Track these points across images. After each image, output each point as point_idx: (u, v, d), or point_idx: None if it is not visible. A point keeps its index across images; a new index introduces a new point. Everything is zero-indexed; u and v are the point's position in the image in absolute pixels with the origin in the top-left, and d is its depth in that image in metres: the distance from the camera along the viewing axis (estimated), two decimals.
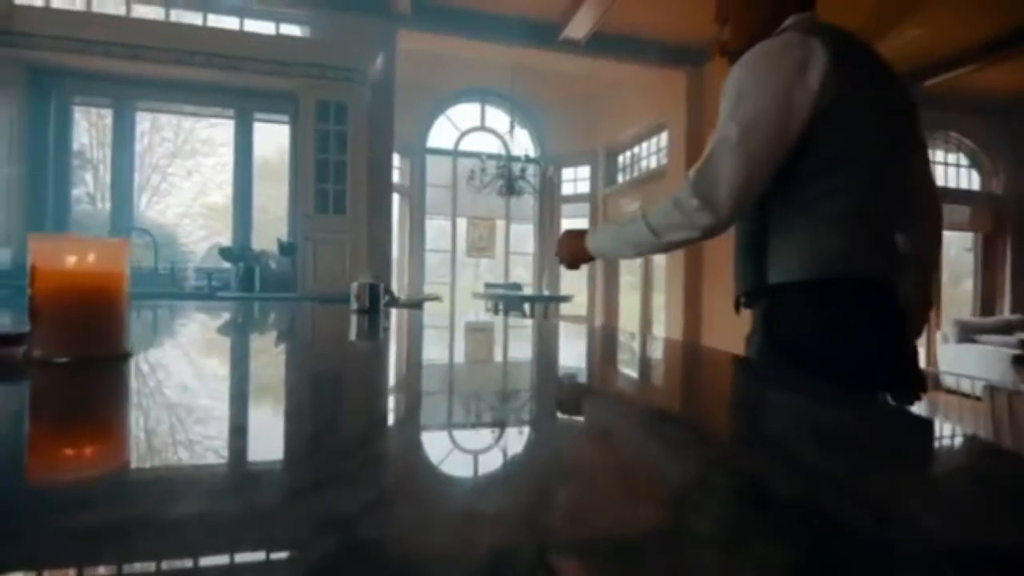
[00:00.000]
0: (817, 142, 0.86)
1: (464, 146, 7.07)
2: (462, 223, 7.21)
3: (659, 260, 6.06)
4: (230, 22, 4.16)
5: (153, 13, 4.06)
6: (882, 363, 0.89)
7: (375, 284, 1.65)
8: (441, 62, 5.92)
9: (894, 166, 0.92)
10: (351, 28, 4.20)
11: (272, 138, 4.13)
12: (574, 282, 7.63)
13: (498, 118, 7.15)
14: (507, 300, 5.28)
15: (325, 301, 3.21)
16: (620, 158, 6.94)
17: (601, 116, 6.82)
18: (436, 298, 3.98)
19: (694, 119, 5.29)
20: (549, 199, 7.23)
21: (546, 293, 5.65)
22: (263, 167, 4.18)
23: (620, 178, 6.92)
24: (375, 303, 1.65)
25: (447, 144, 7.06)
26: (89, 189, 4.35)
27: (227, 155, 4.05)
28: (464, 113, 7.15)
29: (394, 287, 5.22)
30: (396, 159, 5.07)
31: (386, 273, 4.06)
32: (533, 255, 7.43)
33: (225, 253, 3.67)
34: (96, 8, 3.97)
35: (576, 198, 7.25)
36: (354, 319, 1.47)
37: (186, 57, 3.62)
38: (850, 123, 0.86)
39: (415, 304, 3.52)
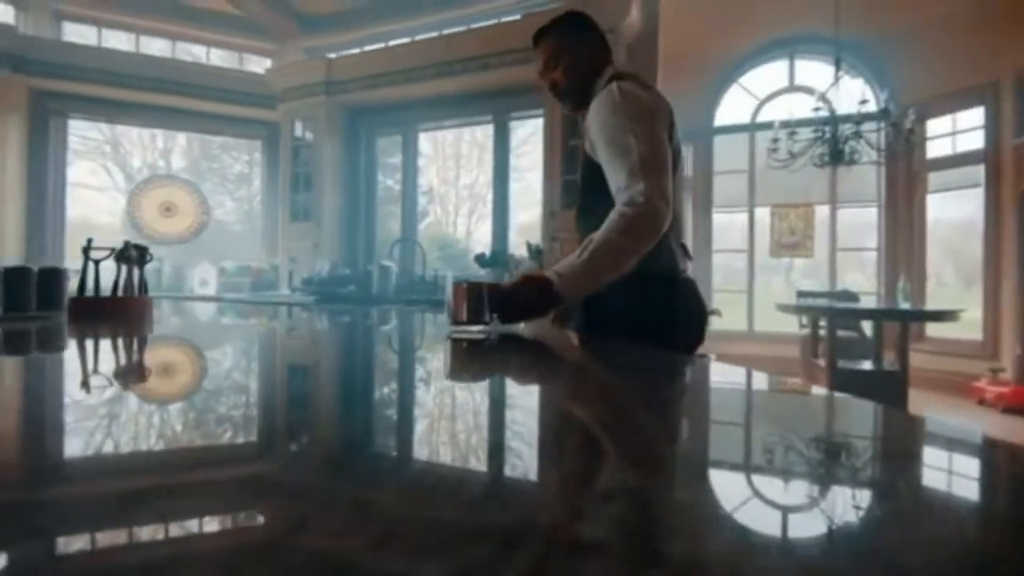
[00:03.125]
0: None
1: (765, 116, 5.58)
2: (763, 214, 5.70)
3: None
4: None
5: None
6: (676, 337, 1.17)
7: (476, 283, 0.91)
8: (729, 17, 4.73)
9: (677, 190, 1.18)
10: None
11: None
12: (950, 290, 5.13)
13: (813, 72, 5.39)
14: (833, 315, 3.67)
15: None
16: None
17: (1008, 28, 4.31)
18: (711, 312, 2.85)
19: None
20: (904, 166, 4.98)
21: (904, 306, 3.69)
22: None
23: None
24: (477, 314, 0.92)
25: (741, 118, 5.70)
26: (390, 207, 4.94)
27: (481, 162, 3.94)
28: (762, 77, 5.66)
29: None
30: None
31: None
32: (878, 251, 5.28)
33: (480, 260, 3.50)
34: (393, 42, 4.43)
35: (955, 160, 4.80)
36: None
37: (445, 69, 3.63)
38: (675, 165, 1.17)
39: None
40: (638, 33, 3.34)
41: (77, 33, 4.64)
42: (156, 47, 4.87)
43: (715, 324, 3.82)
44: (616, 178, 1.09)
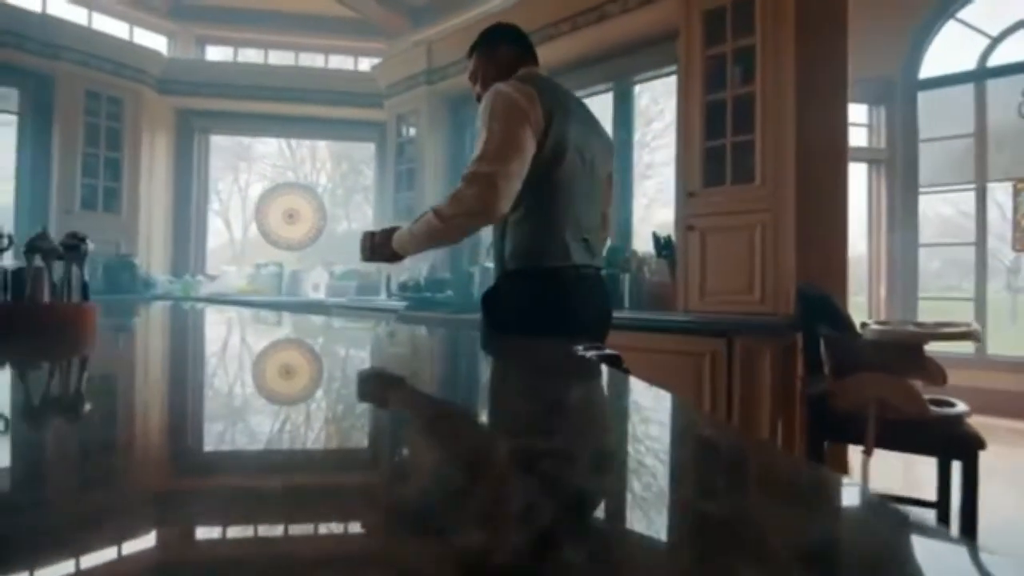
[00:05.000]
0: (532, 167, 1.23)
1: (1001, 58, 4.04)
2: (1000, 192, 4.13)
3: None
4: None
5: None
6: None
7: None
8: None
9: (585, 190, 1.32)
10: None
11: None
12: None
13: None
14: None
15: (715, 330, 1.85)
16: None
17: None
18: (965, 335, 1.63)
19: None
20: None
21: None
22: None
23: None
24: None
25: (961, 64, 4.21)
26: None
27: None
28: (994, 5, 4.11)
29: (860, 304, 3.07)
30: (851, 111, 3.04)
31: (840, 282, 2.23)
32: None
33: None
34: None
35: None
36: None
37: (554, 30, 3.03)
38: (552, 157, 1.26)
39: (933, 336, 1.66)
40: None
41: (217, 55, 4.97)
42: (282, 59, 5.03)
43: (934, 345, 2.64)
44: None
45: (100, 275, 3.80)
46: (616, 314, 2.33)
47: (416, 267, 3.51)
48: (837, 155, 2.27)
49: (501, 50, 1.42)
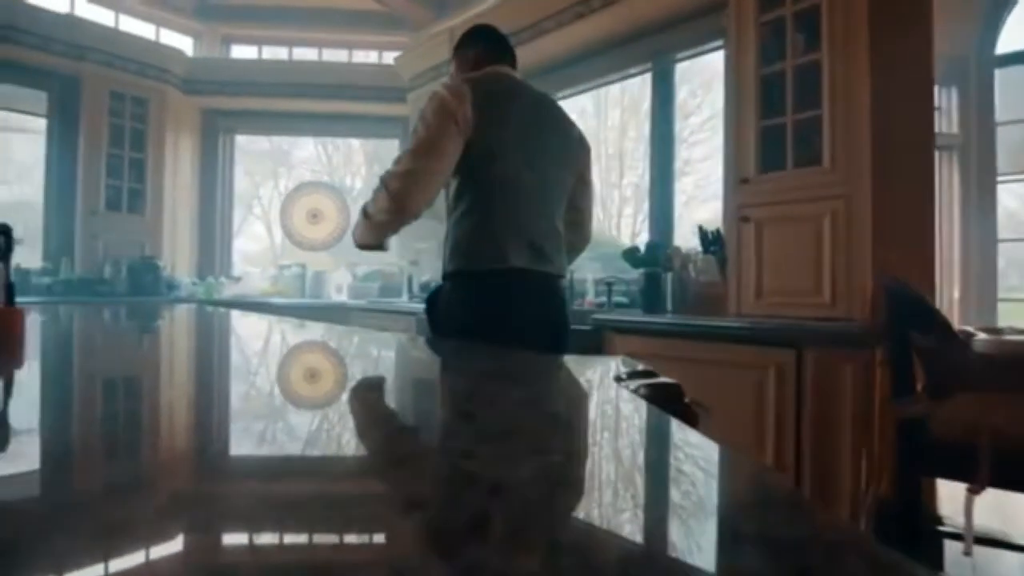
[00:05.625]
0: (462, 167, 1.24)
1: None
2: None
3: None
4: None
5: None
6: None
7: None
8: None
9: (531, 192, 1.27)
10: None
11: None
12: None
13: None
14: None
15: (782, 338, 1.58)
16: None
17: None
18: None
19: None
20: None
21: None
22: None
23: None
24: None
25: None
26: None
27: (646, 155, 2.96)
28: None
29: (944, 302, 2.65)
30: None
31: (926, 282, 1.89)
32: None
33: (630, 256, 2.55)
34: None
35: None
36: None
37: (584, 7, 2.78)
38: (486, 155, 1.24)
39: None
40: None
41: (242, 55, 4.90)
42: (306, 56, 4.93)
43: None
44: None
45: (124, 276, 3.76)
46: (656, 319, 2.06)
47: (436, 266, 3.31)
48: (921, 130, 1.94)
49: (471, 52, 1.44)
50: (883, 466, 1.63)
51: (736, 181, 2.05)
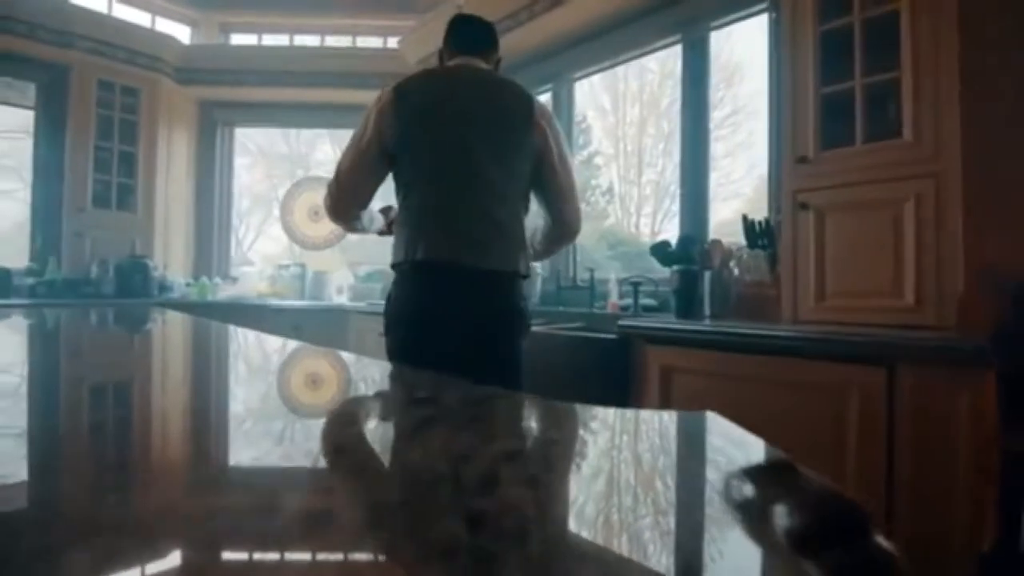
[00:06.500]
0: (394, 167, 1.33)
1: None
2: None
3: None
4: None
5: None
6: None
7: None
8: None
9: (462, 183, 1.25)
10: None
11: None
12: None
13: None
14: None
15: (866, 353, 1.25)
16: None
17: None
18: None
19: None
20: None
21: None
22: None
23: None
24: None
25: None
26: None
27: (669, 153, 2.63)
28: None
29: None
30: None
31: None
32: None
33: (659, 252, 2.22)
34: None
35: None
36: None
37: None
38: (409, 156, 1.29)
39: None
40: None
41: (242, 42, 4.66)
42: (307, 44, 4.67)
43: None
44: None
45: (112, 277, 3.53)
46: (694, 326, 1.73)
47: None
48: None
49: (443, 47, 1.47)
50: (988, 514, 1.29)
51: (793, 161, 1.71)
